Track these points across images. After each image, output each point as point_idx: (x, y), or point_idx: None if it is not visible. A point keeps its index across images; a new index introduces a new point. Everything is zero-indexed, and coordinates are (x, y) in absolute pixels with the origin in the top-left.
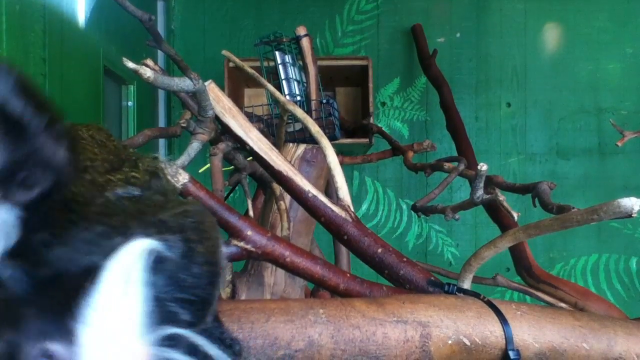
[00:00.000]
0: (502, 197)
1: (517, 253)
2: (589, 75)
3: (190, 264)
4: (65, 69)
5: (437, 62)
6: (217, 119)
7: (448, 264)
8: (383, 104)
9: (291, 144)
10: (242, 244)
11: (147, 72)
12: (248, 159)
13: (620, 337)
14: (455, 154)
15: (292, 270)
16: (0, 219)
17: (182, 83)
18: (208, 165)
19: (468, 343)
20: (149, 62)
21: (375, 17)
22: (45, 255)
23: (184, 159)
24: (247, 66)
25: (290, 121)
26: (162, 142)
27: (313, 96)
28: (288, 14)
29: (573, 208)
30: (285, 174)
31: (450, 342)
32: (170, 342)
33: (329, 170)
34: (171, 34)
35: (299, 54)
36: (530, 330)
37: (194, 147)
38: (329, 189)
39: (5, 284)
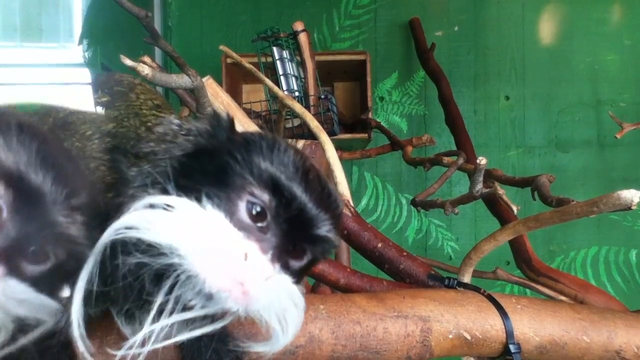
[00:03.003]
0: (501, 190)
1: (517, 246)
2: (587, 68)
3: None
4: None
5: (435, 55)
6: None
7: (448, 258)
8: (381, 98)
9: (290, 140)
10: None
11: (145, 70)
12: None
13: (620, 329)
14: (454, 147)
15: None
16: (4, 293)
17: (180, 80)
18: None
19: (469, 337)
20: (147, 59)
21: (372, 12)
22: None
23: None
24: (244, 61)
25: (288, 117)
26: None
27: (311, 91)
28: (285, 9)
29: (572, 201)
30: None
31: (450, 336)
32: None
33: (328, 165)
34: (168, 30)
35: (296, 49)
36: (531, 323)
37: None
38: None
39: None
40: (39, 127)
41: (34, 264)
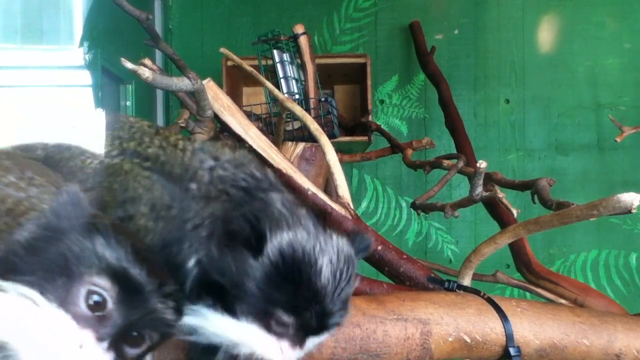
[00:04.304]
0: (501, 194)
1: (516, 250)
2: (587, 71)
3: None
4: None
5: (436, 59)
6: (215, 117)
7: (448, 262)
8: (382, 101)
9: (290, 143)
10: None
11: (145, 73)
12: None
13: (620, 333)
14: (454, 150)
15: None
16: None
17: (181, 83)
18: None
19: (468, 340)
20: (147, 61)
21: (373, 15)
22: None
23: None
24: (245, 64)
25: (289, 119)
26: None
27: (311, 94)
28: (286, 12)
29: (572, 204)
30: (284, 171)
31: (450, 339)
32: None
33: (328, 168)
34: (169, 32)
35: (297, 52)
36: (531, 326)
37: None
38: (328, 187)
39: None
40: (126, 226)
41: (134, 348)
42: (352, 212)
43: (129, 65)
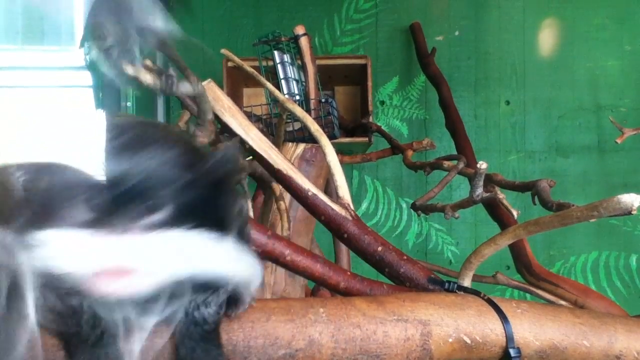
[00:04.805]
0: (501, 194)
1: (517, 251)
2: (587, 73)
3: None
4: None
5: (436, 60)
6: (216, 118)
7: (448, 263)
8: (382, 102)
9: (290, 143)
10: None
11: (147, 79)
12: (247, 158)
13: (620, 335)
14: (454, 152)
15: (293, 268)
16: None
17: (182, 87)
18: None
19: (469, 341)
20: (148, 62)
21: (373, 16)
22: None
23: None
24: (246, 64)
25: (289, 120)
26: None
27: (312, 95)
28: (286, 13)
29: (573, 205)
30: (285, 172)
31: (450, 340)
32: None
33: (328, 169)
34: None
35: (297, 53)
36: (531, 327)
37: None
38: (329, 188)
39: None
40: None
41: None
42: (352, 213)
43: (130, 70)
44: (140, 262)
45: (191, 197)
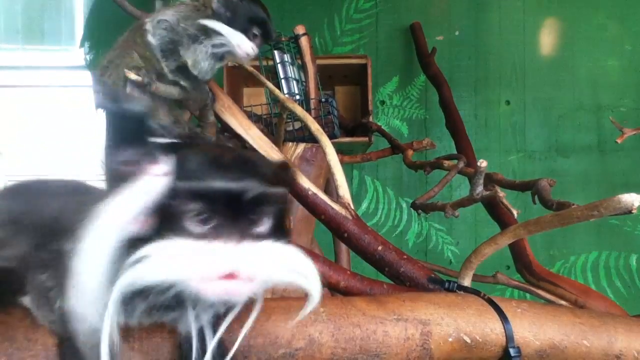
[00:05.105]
0: (501, 193)
1: (517, 251)
2: (588, 73)
3: None
4: None
5: (436, 60)
6: (216, 117)
7: (448, 263)
8: (382, 102)
9: (291, 143)
10: None
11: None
12: None
13: (620, 334)
14: (454, 152)
15: None
16: None
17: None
18: None
19: (469, 340)
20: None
21: (374, 16)
22: None
23: None
24: (246, 64)
25: (289, 120)
26: None
27: (312, 95)
28: (286, 13)
29: (573, 205)
30: None
31: (450, 339)
32: None
33: (328, 168)
34: None
35: (297, 53)
36: (531, 327)
37: None
38: (329, 188)
39: None
40: None
41: None
42: (352, 212)
43: (133, 76)
44: (251, 269)
45: (280, 209)
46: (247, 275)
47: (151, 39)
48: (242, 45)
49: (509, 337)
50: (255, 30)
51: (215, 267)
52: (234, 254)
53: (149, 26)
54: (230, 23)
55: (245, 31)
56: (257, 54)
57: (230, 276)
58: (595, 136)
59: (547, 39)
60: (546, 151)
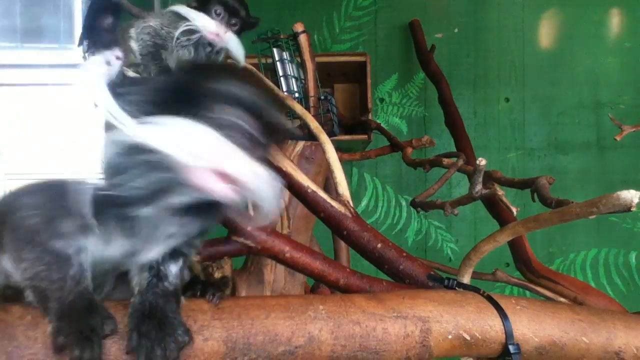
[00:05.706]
0: (501, 191)
1: (516, 248)
2: (587, 70)
3: None
4: None
5: (435, 57)
6: None
7: (448, 260)
8: (381, 100)
9: (290, 141)
10: (242, 239)
11: None
12: None
13: (619, 331)
14: (454, 149)
15: (292, 265)
16: None
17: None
18: None
19: (468, 337)
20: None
21: (372, 13)
22: None
23: None
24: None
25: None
26: None
27: (311, 93)
28: (285, 10)
29: (572, 202)
30: (284, 169)
31: (450, 336)
32: None
33: (328, 166)
34: None
35: (296, 50)
36: (530, 324)
37: None
38: (328, 185)
39: None
40: None
41: None
42: (352, 210)
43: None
44: (248, 182)
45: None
46: (238, 187)
47: (134, 44)
48: (207, 25)
49: (509, 334)
50: (217, 9)
51: (218, 163)
52: (238, 162)
53: (132, 32)
54: (198, 9)
55: (208, 12)
56: (234, 38)
57: (225, 178)
58: (595, 133)
59: (546, 37)
60: (545, 148)
